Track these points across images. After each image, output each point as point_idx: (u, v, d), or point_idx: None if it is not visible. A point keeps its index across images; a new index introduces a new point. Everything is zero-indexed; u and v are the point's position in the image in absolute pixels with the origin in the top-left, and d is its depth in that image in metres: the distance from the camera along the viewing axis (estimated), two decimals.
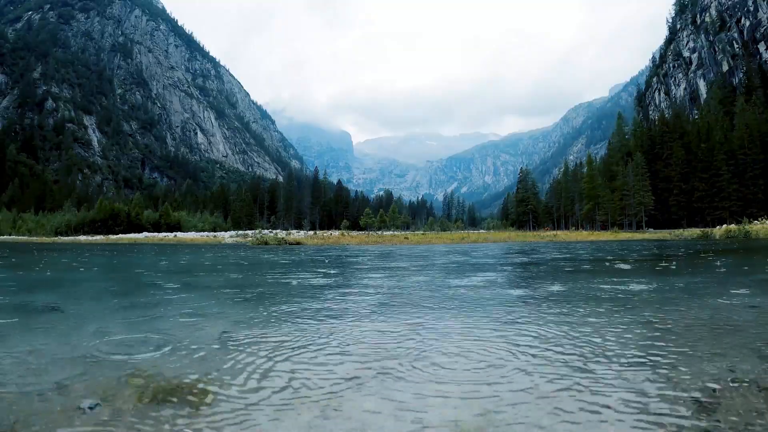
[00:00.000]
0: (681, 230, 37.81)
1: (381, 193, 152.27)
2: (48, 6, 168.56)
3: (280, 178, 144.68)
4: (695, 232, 30.12)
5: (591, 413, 1.35)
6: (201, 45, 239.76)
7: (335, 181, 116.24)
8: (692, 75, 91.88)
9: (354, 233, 41.76)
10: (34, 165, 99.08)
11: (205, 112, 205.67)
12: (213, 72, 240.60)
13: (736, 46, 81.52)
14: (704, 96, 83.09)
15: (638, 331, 2.46)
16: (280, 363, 1.93)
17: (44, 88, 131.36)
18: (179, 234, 42.51)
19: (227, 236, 34.87)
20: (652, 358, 1.93)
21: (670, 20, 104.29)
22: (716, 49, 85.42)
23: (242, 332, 2.54)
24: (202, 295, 4.45)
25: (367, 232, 47.56)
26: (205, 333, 2.54)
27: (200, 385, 1.62)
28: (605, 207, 55.97)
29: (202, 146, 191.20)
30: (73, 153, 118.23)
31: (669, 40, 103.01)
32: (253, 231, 41.79)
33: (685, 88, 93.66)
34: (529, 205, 74.68)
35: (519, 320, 2.82)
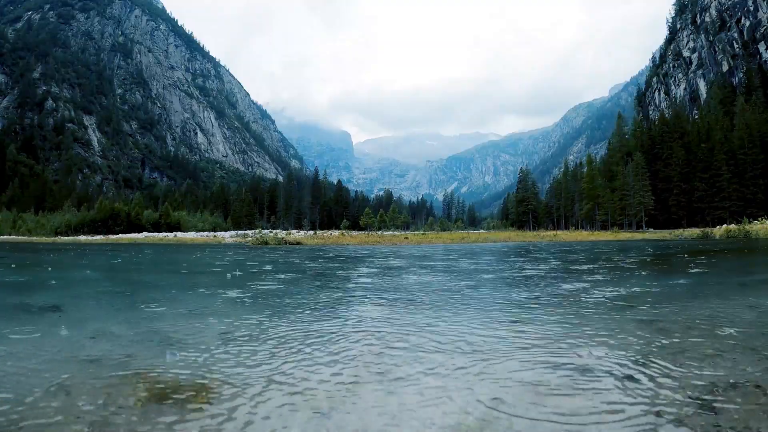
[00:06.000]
0: (681, 230, 37.80)
1: (381, 193, 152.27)
2: (48, 6, 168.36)
3: (280, 178, 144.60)
4: (695, 232, 30.12)
5: (591, 413, 1.35)
6: (201, 45, 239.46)
7: (335, 181, 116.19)
8: (692, 75, 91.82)
9: (354, 233, 41.75)
10: (34, 165, 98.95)
11: (205, 112, 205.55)
12: (213, 72, 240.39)
13: (736, 46, 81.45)
14: (704, 96, 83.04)
15: (637, 331, 2.46)
16: (280, 362, 1.93)
17: (44, 88, 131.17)
18: (179, 234, 42.47)
19: (227, 236, 34.85)
20: (652, 358, 1.94)
21: (670, 20, 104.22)
22: (716, 49, 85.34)
23: (242, 332, 2.55)
24: (201, 295, 4.45)
25: (367, 232, 47.55)
26: (205, 333, 2.54)
27: (201, 385, 1.62)
28: (605, 207, 55.95)
29: (202, 146, 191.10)
30: (73, 153, 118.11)
31: (669, 40, 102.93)
32: (253, 231, 41.77)
33: (685, 88, 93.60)
34: (529, 205, 74.67)
35: (519, 320, 2.82)
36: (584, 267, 7.38)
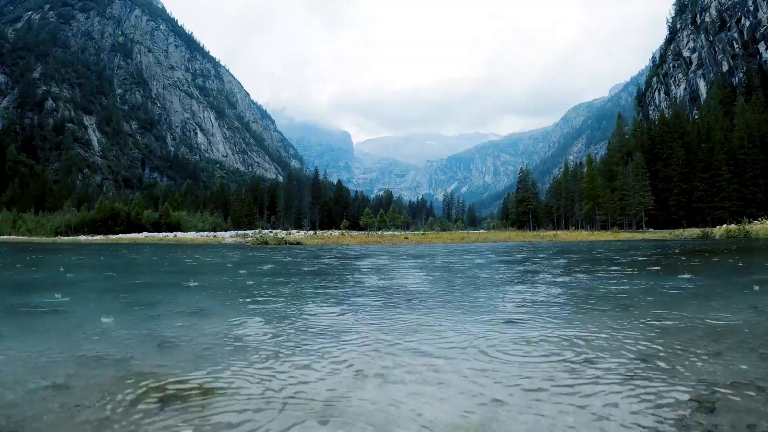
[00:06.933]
0: (681, 230, 37.79)
1: (381, 193, 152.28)
2: (48, 6, 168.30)
3: (280, 178, 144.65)
4: (695, 232, 30.12)
5: (590, 413, 1.35)
6: (201, 45, 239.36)
7: (335, 181, 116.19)
8: (692, 75, 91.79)
9: (354, 233, 41.75)
10: (34, 165, 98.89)
11: (205, 112, 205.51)
12: (213, 72, 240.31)
13: (736, 46, 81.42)
14: (704, 96, 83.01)
15: (637, 331, 2.46)
16: (280, 362, 1.93)
17: (44, 88, 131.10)
18: (179, 234, 42.46)
19: (227, 236, 34.84)
20: (651, 358, 1.93)
21: (670, 20, 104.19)
22: (716, 49, 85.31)
23: (241, 331, 2.55)
24: (201, 294, 4.45)
25: (367, 232, 47.55)
26: (205, 333, 2.54)
27: (200, 385, 1.62)
28: (605, 207, 55.93)
29: (202, 146, 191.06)
30: (73, 153, 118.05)
31: (669, 40, 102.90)
32: (253, 231, 41.77)
33: (685, 88, 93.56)
34: (529, 205, 74.65)
35: (518, 320, 2.82)
36: (584, 267, 7.37)
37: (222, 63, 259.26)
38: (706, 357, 1.92)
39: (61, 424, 1.31)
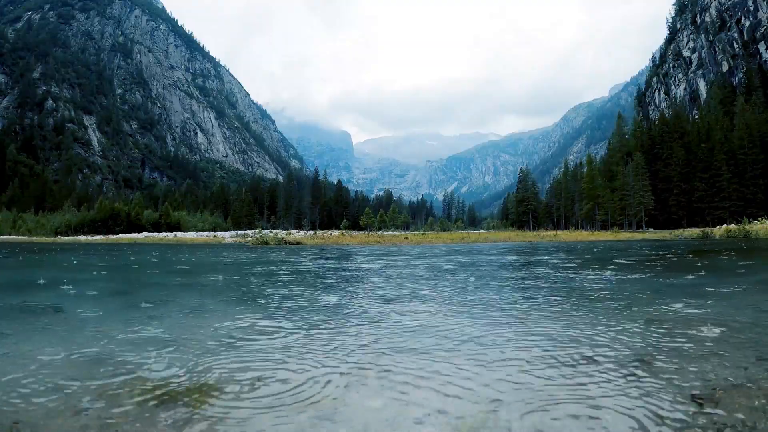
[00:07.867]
0: (681, 230, 37.78)
1: (381, 193, 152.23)
2: (48, 6, 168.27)
3: (280, 178, 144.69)
4: (695, 232, 30.11)
5: (591, 412, 1.35)
6: (201, 45, 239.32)
7: (335, 181, 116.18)
8: (692, 75, 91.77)
9: (354, 233, 41.74)
10: (34, 165, 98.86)
11: (205, 112, 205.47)
12: (213, 72, 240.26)
13: (736, 46, 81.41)
14: (704, 96, 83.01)
15: (637, 330, 2.46)
16: (280, 362, 1.93)
17: (44, 88, 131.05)
18: (179, 234, 42.45)
19: (227, 236, 34.84)
20: (651, 357, 1.94)
21: (670, 20, 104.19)
22: (716, 49, 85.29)
23: (241, 332, 2.55)
24: (201, 295, 4.45)
25: (367, 232, 47.54)
26: (205, 333, 2.54)
27: (201, 385, 1.62)
28: (605, 207, 55.92)
29: (202, 146, 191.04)
30: (73, 153, 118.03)
31: (669, 40, 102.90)
32: (253, 231, 41.75)
33: (685, 88, 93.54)
34: (529, 205, 74.65)
35: (518, 320, 2.82)
36: (584, 267, 7.37)
37: (222, 63, 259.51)
38: (706, 357, 1.92)
39: (62, 425, 1.31)
